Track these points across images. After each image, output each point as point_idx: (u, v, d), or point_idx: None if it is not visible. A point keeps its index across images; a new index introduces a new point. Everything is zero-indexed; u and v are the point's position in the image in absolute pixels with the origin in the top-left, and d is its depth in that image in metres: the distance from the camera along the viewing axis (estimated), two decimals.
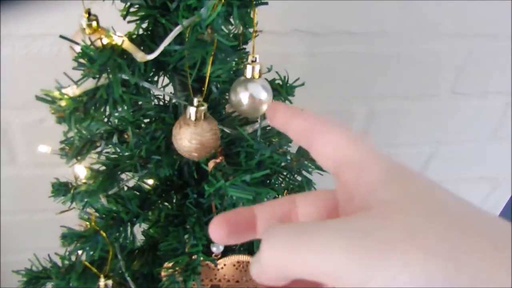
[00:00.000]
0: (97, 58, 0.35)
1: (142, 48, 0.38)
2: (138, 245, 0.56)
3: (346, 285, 0.17)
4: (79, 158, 0.47)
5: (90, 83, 0.37)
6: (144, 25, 0.40)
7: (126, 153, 0.48)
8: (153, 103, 0.48)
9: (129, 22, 0.39)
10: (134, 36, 0.40)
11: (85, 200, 0.47)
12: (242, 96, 0.40)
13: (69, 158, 0.46)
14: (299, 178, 0.52)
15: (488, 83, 0.96)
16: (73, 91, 0.38)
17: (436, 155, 1.08)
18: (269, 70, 0.48)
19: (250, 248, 0.53)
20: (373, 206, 0.19)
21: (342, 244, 0.17)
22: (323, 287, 0.22)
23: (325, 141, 0.23)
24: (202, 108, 0.39)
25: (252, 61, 0.40)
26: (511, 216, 1.36)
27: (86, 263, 0.50)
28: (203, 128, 0.39)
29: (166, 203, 0.52)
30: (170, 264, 0.47)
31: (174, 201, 0.52)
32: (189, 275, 0.46)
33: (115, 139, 0.47)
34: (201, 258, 0.47)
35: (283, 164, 0.49)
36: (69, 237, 0.45)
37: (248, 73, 0.40)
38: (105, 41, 0.37)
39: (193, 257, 0.47)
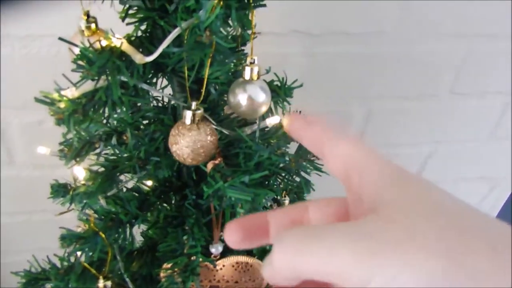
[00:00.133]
0: (96, 60, 0.35)
1: (140, 50, 0.38)
2: (137, 246, 0.56)
3: (352, 285, 0.18)
4: (78, 159, 0.47)
5: (89, 85, 0.37)
6: (143, 27, 0.40)
7: (125, 155, 0.48)
8: (152, 104, 0.48)
9: (127, 24, 0.39)
10: (132, 38, 0.40)
11: (84, 201, 0.47)
12: (241, 98, 0.40)
13: (68, 160, 0.46)
14: (297, 179, 0.52)
15: (488, 83, 0.96)
16: (72, 93, 0.38)
17: (436, 155, 1.08)
18: (268, 71, 0.48)
19: (249, 249, 0.53)
20: (378, 208, 0.20)
21: (350, 247, 0.18)
22: (333, 287, 0.22)
23: (335, 152, 0.24)
24: (199, 112, 0.39)
25: (251, 63, 0.40)
26: (510, 216, 1.36)
27: (85, 264, 0.50)
28: (200, 133, 0.39)
29: (165, 204, 0.52)
30: (169, 265, 0.47)
31: (173, 202, 0.52)
32: (188, 276, 0.46)
33: (114, 140, 0.47)
34: (200, 259, 0.47)
35: (281, 165, 0.49)
36: (68, 238, 0.45)
37: (247, 74, 0.40)
38: (104, 43, 0.37)
39: (192, 258, 0.47)
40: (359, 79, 0.88)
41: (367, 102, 0.93)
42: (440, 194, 0.20)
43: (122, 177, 0.49)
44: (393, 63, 0.87)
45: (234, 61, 0.46)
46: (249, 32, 0.41)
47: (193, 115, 0.39)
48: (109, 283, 0.49)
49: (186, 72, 0.40)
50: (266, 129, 0.48)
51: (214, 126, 0.42)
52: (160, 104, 0.49)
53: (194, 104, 0.39)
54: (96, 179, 0.46)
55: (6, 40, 0.69)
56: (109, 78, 0.36)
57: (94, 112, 0.39)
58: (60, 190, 0.49)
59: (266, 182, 0.48)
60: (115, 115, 0.41)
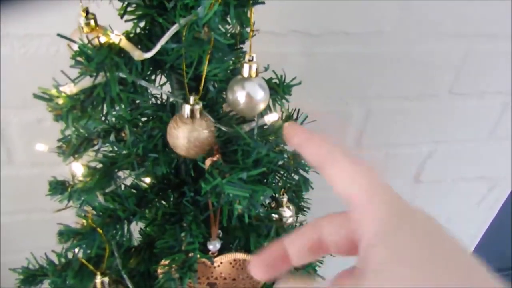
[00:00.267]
0: (95, 57, 0.36)
1: (139, 46, 0.38)
2: (135, 243, 0.56)
3: None
4: (76, 156, 0.47)
5: (87, 81, 0.37)
6: (142, 24, 0.40)
7: (123, 151, 0.48)
8: (150, 101, 0.48)
9: (126, 21, 0.39)
10: (131, 35, 0.40)
11: (82, 198, 0.47)
12: (239, 95, 0.41)
13: (66, 156, 0.47)
14: (296, 177, 0.52)
15: (487, 83, 0.96)
16: (70, 89, 0.38)
17: (435, 155, 1.08)
18: (266, 69, 0.48)
19: (247, 246, 0.53)
20: (367, 275, 0.20)
21: None
22: None
23: (333, 174, 0.25)
24: (198, 106, 0.39)
25: (249, 60, 0.40)
26: (510, 216, 1.36)
27: (83, 260, 0.50)
28: (199, 126, 0.39)
29: (163, 201, 0.52)
30: (167, 262, 0.47)
31: (171, 199, 0.53)
32: (185, 272, 0.46)
33: (112, 137, 0.47)
34: (198, 256, 0.47)
35: (280, 162, 0.49)
36: (65, 234, 0.45)
37: (245, 72, 0.40)
38: (103, 39, 0.37)
39: (190, 254, 0.47)
40: (359, 79, 0.88)
41: (366, 102, 0.93)
42: (443, 256, 0.20)
43: (120, 174, 0.49)
44: (392, 63, 0.87)
45: (233, 58, 0.46)
46: (248, 29, 0.41)
47: (192, 110, 0.39)
48: (106, 279, 0.49)
49: (185, 69, 0.41)
50: (265, 126, 0.48)
51: (213, 123, 0.42)
52: (158, 101, 0.49)
53: (192, 99, 0.39)
54: (94, 176, 0.46)
55: (6, 39, 0.69)
56: (108, 74, 0.36)
57: (92, 108, 0.39)
58: (58, 187, 0.49)
59: (264, 179, 0.48)
60: (114, 112, 0.41)
